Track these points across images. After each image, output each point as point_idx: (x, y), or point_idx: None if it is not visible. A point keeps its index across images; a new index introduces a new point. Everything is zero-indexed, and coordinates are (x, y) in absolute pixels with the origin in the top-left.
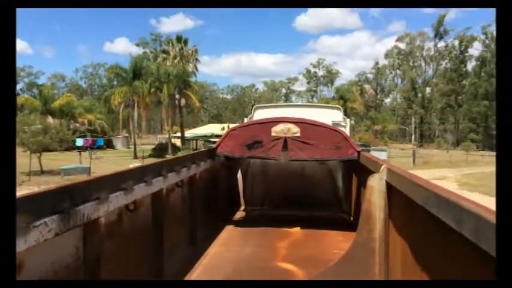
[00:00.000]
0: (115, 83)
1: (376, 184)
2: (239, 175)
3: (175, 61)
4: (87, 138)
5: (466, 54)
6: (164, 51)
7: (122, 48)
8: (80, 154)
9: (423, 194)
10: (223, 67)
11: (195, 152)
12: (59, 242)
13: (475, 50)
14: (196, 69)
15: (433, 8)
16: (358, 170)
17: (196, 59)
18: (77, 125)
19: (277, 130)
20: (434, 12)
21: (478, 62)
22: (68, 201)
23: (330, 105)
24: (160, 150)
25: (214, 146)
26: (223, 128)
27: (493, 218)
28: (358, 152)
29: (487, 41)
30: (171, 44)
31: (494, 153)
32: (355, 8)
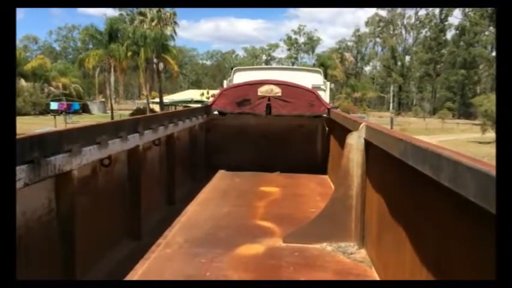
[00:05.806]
0: (90, 46)
1: (355, 142)
2: (218, 137)
3: (153, 24)
4: (62, 102)
5: (446, 23)
6: (141, 14)
7: (96, 10)
8: (55, 118)
9: (401, 147)
10: (202, 32)
11: (172, 111)
12: (30, 192)
13: (455, 18)
14: (175, 33)
15: None
16: (337, 131)
17: (175, 22)
18: (51, 88)
19: (262, 90)
20: None
21: (457, 31)
22: (38, 151)
23: (310, 68)
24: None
25: (209, 103)
26: (202, 94)
27: (471, 163)
28: (328, 109)
29: (466, 10)
30: None
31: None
32: None
